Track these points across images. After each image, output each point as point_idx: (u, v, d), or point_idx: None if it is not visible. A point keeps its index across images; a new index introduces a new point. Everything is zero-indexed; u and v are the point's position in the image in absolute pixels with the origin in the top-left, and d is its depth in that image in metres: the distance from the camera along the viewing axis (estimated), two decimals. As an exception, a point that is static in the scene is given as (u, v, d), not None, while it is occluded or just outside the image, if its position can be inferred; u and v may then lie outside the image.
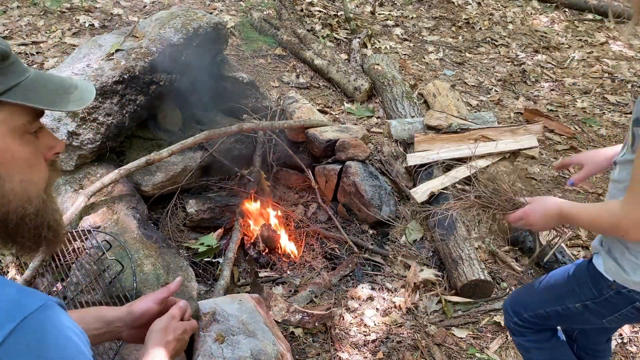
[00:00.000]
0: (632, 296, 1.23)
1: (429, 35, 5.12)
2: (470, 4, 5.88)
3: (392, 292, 2.38)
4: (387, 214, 2.65)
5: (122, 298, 1.76)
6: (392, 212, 2.68)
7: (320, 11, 5.05)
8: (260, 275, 2.39)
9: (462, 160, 2.93)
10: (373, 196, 2.63)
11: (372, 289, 2.39)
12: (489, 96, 4.18)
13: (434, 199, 2.67)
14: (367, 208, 2.64)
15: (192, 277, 2.01)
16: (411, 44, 4.90)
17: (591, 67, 4.79)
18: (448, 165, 2.94)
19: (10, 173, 0.79)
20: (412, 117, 3.38)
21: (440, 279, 2.43)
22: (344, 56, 4.38)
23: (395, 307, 2.30)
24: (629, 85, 4.47)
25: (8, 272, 2.17)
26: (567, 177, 3.27)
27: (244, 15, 4.70)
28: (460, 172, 2.85)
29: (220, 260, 2.36)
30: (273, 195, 2.81)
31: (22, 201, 0.81)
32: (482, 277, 2.27)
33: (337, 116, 3.61)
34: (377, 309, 2.29)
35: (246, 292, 2.25)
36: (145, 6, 4.55)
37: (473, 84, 4.33)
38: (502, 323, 2.24)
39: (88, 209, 2.17)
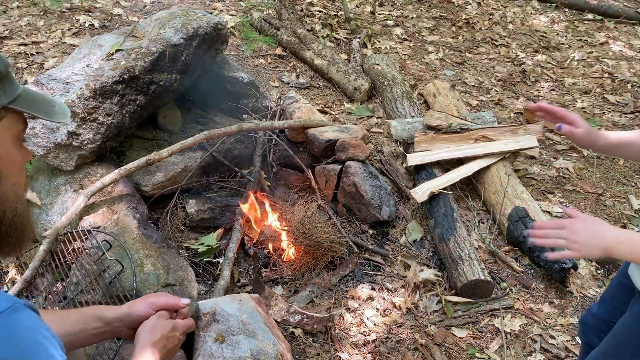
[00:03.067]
0: None
1: (429, 35, 5.12)
2: (470, 4, 5.88)
3: (392, 292, 2.38)
4: (387, 214, 2.65)
5: (122, 298, 1.77)
6: (392, 212, 2.68)
7: (320, 11, 5.05)
8: (262, 275, 2.39)
9: (462, 160, 2.93)
10: (373, 196, 2.63)
11: (372, 289, 2.39)
12: (489, 96, 4.18)
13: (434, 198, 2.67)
14: (367, 208, 2.64)
15: (192, 277, 2.01)
16: (411, 44, 4.90)
17: (591, 67, 4.79)
18: (448, 165, 2.94)
19: (8, 175, 0.85)
20: (412, 117, 3.38)
21: (440, 279, 2.43)
22: (344, 56, 4.38)
23: (395, 307, 2.30)
24: (629, 85, 4.47)
25: (8, 272, 2.17)
26: (567, 177, 3.27)
27: (244, 15, 4.70)
28: (461, 172, 2.85)
29: (220, 260, 2.36)
30: (273, 195, 2.81)
31: (15, 201, 0.86)
32: (482, 277, 2.27)
33: (337, 116, 3.61)
34: (377, 309, 2.29)
35: (246, 292, 2.26)
36: (145, 6, 4.55)
37: (473, 84, 4.33)
38: (501, 327, 2.24)
39: (88, 209, 2.17)
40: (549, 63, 4.82)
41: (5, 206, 0.84)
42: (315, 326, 2.11)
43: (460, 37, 5.16)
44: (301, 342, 2.09)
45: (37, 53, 3.65)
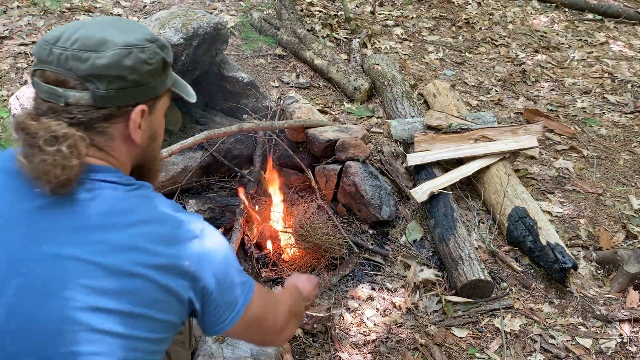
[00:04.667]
0: None
1: (429, 35, 5.12)
2: (470, 4, 5.88)
3: (392, 292, 2.38)
4: (387, 214, 2.65)
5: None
6: (392, 212, 2.68)
7: (320, 11, 5.05)
8: (262, 275, 2.39)
9: (462, 160, 2.94)
10: (373, 196, 2.63)
11: (372, 289, 2.39)
12: (489, 96, 4.18)
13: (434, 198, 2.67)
14: (367, 208, 2.64)
15: (192, 277, 2.01)
16: (411, 44, 4.90)
17: (591, 67, 4.80)
18: (448, 165, 2.94)
19: (159, 135, 1.12)
20: (412, 117, 3.38)
21: (440, 279, 2.43)
22: (344, 56, 4.38)
23: (395, 307, 2.30)
24: (629, 85, 4.48)
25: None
26: (567, 177, 3.27)
27: (244, 15, 4.70)
28: (461, 172, 2.85)
29: (220, 260, 2.35)
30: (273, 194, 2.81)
31: (155, 157, 1.16)
32: (482, 277, 2.27)
33: (337, 116, 3.61)
34: (377, 309, 2.29)
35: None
36: (145, 6, 4.55)
37: (473, 84, 4.33)
38: (501, 327, 2.24)
39: (88, 209, 2.17)
40: (549, 63, 4.83)
41: (156, 153, 1.14)
42: (315, 326, 2.11)
43: (460, 37, 5.17)
44: (301, 342, 2.09)
45: (37, 53, 3.64)
